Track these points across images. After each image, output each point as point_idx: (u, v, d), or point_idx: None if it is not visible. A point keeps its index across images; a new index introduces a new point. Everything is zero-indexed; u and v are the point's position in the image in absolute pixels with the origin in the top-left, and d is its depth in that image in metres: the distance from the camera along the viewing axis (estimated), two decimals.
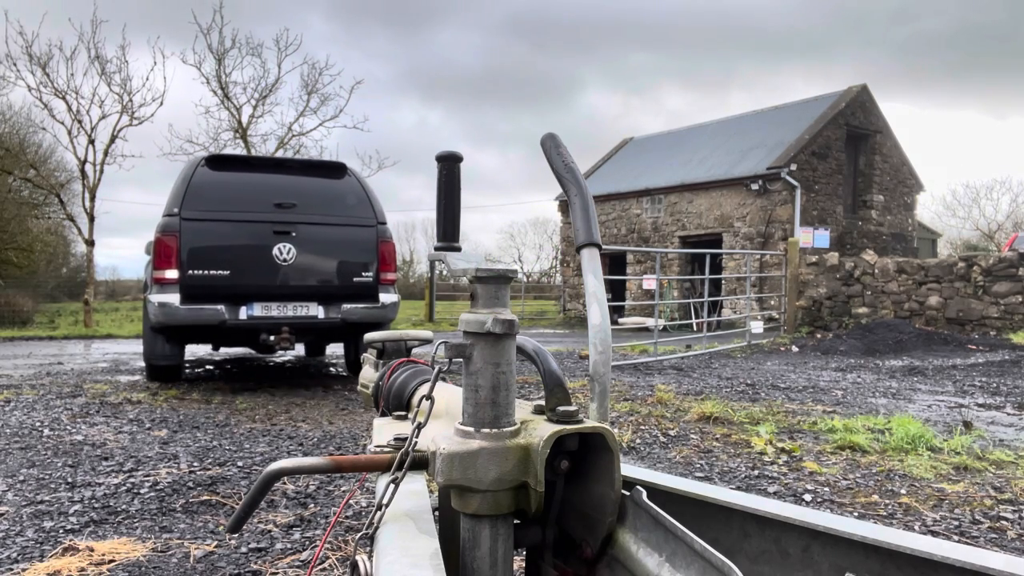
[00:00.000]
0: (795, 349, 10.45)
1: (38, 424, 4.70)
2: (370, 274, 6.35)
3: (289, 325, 5.98)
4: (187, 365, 8.44)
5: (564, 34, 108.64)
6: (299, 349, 10.05)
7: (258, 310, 5.94)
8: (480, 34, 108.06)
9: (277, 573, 2.25)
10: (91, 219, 17.66)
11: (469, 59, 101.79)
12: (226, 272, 5.87)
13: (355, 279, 6.31)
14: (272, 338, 5.94)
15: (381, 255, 6.41)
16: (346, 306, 6.18)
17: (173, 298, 5.73)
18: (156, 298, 5.74)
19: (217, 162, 6.33)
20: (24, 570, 2.23)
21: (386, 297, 6.44)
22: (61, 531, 2.60)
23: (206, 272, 5.83)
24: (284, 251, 6.00)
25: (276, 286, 6.01)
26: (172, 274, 5.77)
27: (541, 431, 0.90)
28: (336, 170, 6.70)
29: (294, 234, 6.06)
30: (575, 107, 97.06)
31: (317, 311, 6.14)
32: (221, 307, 5.78)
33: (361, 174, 6.83)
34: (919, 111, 74.78)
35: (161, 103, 18.52)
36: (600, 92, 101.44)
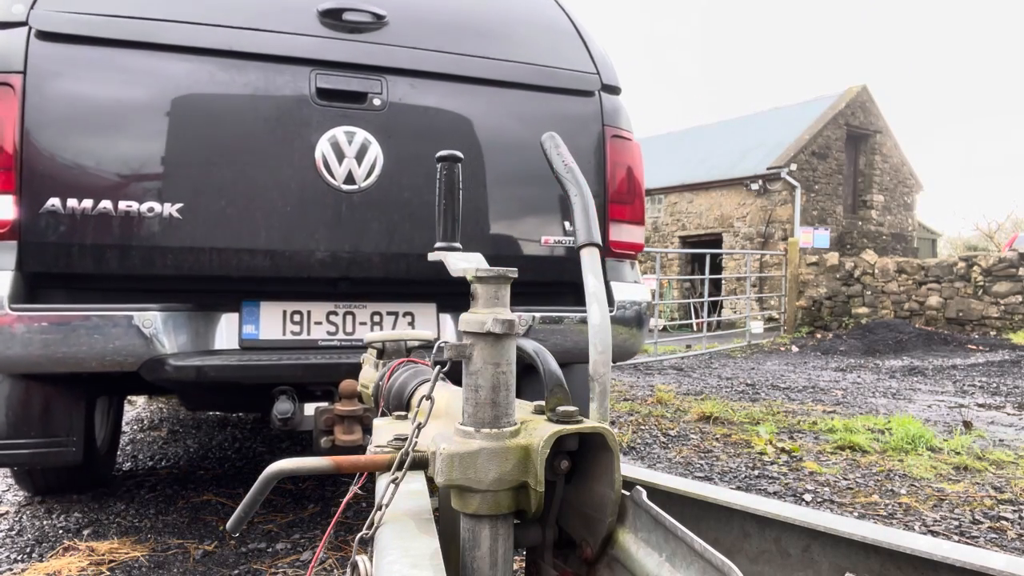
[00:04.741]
0: (795, 349, 10.45)
1: None
2: None
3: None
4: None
5: None
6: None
7: (271, 327, 2.36)
8: None
9: (277, 573, 2.25)
10: None
11: None
12: (173, 208, 2.21)
13: (545, 238, 2.61)
14: (312, 410, 2.05)
15: (612, 173, 2.69)
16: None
17: None
18: None
19: None
20: (24, 570, 2.23)
21: (624, 291, 2.71)
22: (61, 531, 2.60)
23: (107, 205, 2.16)
24: (349, 152, 2.34)
25: (324, 260, 2.34)
26: None
27: (541, 431, 0.90)
28: None
29: (377, 103, 2.40)
30: None
31: (437, 325, 2.54)
32: (151, 318, 2.17)
33: None
34: None
35: None
36: None
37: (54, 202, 2.12)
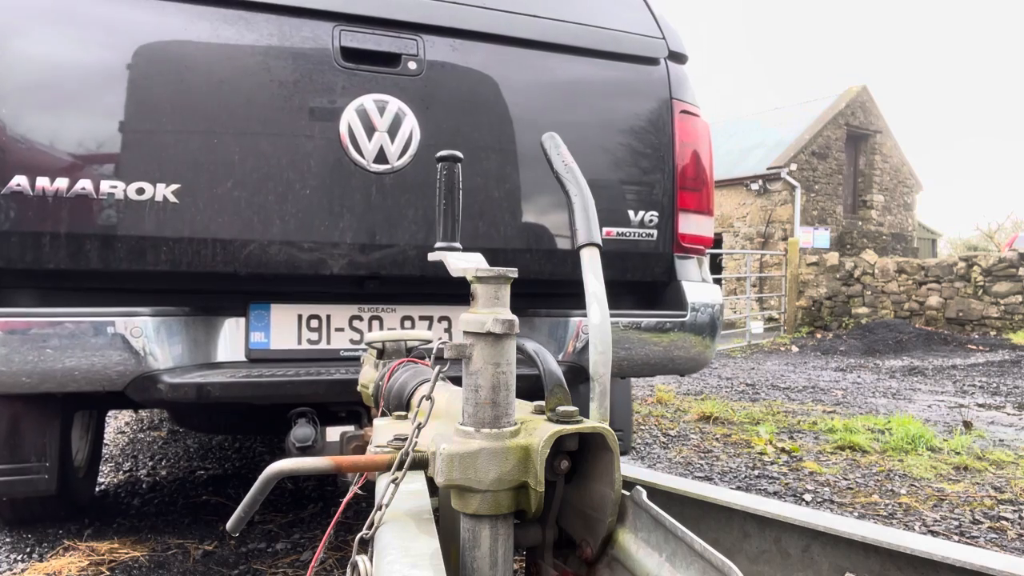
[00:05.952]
0: (795, 349, 10.45)
1: None
2: (653, 215, 2.28)
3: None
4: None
5: None
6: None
7: (283, 335, 2.01)
8: None
9: (277, 573, 2.25)
10: None
11: None
12: (168, 190, 1.81)
13: (607, 229, 2.21)
14: (336, 435, 1.86)
15: (680, 155, 2.33)
16: (579, 321, 2.19)
17: None
18: None
19: None
20: (24, 570, 2.23)
21: (697, 292, 2.34)
22: (61, 531, 2.60)
23: (86, 186, 1.75)
24: (380, 126, 1.97)
25: (349, 254, 1.96)
26: None
27: (541, 431, 0.90)
28: None
29: (412, 66, 2.02)
30: None
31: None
32: (140, 324, 1.76)
33: None
34: None
35: None
36: None
37: (20, 181, 1.72)
